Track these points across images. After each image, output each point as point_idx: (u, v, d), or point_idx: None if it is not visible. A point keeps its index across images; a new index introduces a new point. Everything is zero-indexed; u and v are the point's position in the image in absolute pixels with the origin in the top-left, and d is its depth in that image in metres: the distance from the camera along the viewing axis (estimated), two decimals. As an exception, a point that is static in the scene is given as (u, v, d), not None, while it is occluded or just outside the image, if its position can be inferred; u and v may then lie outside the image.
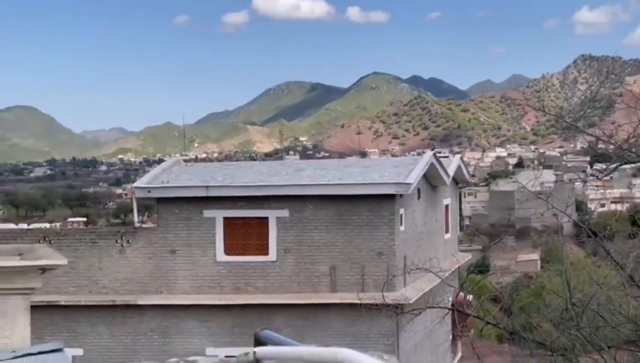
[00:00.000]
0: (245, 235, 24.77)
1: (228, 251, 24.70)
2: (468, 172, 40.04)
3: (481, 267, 58.51)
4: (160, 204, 25.47)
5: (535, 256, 73.15)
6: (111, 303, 24.14)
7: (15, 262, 6.11)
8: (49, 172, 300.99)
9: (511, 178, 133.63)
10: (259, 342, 3.90)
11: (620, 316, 14.36)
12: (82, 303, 23.64)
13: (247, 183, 26.19)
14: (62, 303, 22.52)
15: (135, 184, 26.87)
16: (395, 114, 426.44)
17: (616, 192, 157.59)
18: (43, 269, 6.03)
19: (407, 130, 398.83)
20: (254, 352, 3.66)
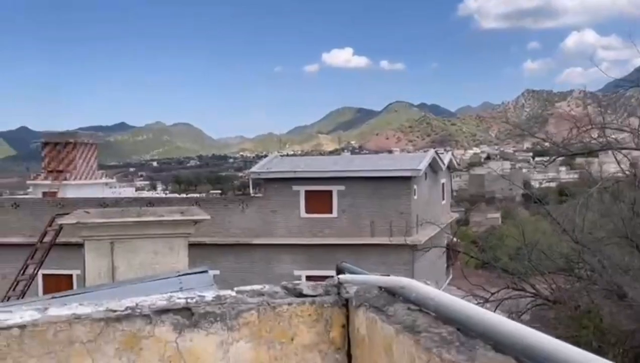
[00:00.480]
0: (318, 201, 25.86)
1: (307, 211, 25.94)
2: (456, 162, 41.41)
3: (464, 222, 60.48)
4: (266, 182, 26.88)
5: (497, 215, 73.88)
6: (236, 242, 25.55)
7: (178, 216, 6.22)
8: (198, 163, 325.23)
9: (483, 166, 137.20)
10: (340, 271, 3.25)
11: (555, 252, 15.46)
12: (219, 242, 24.66)
13: (319, 169, 27.60)
14: (207, 242, 22.47)
15: (251, 170, 28.04)
16: (410, 126, 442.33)
17: (550, 175, 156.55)
18: (195, 222, 6.21)
19: (417, 137, 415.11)
20: (338, 278, 3.00)
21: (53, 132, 37.83)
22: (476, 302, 13.18)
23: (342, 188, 25.78)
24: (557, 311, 12.55)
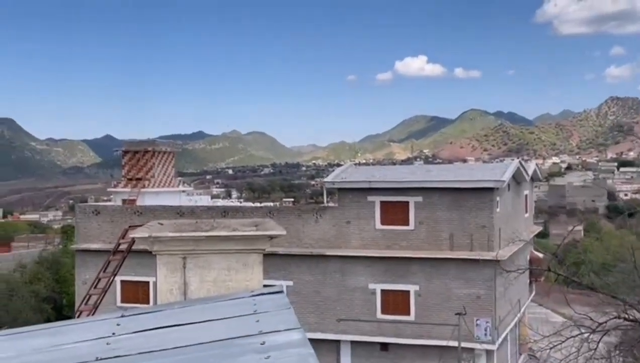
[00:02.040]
0: (394, 212, 25.43)
1: (383, 222, 25.48)
2: (540, 173, 40.19)
3: (543, 235, 58.34)
4: (340, 192, 26.53)
5: (580, 228, 71.09)
6: (309, 253, 25.44)
7: (253, 231, 6.05)
8: (272, 171, 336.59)
9: (563, 176, 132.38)
10: None
11: None
12: (293, 252, 24.64)
13: (395, 179, 27.00)
14: (280, 252, 22.65)
15: (325, 179, 27.62)
16: (485, 135, 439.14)
17: (636, 186, 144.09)
18: (270, 237, 5.96)
19: (492, 145, 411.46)
20: None
21: (133, 141, 39.09)
22: (579, 332, 12.04)
23: (419, 199, 25.27)
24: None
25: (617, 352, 18.01)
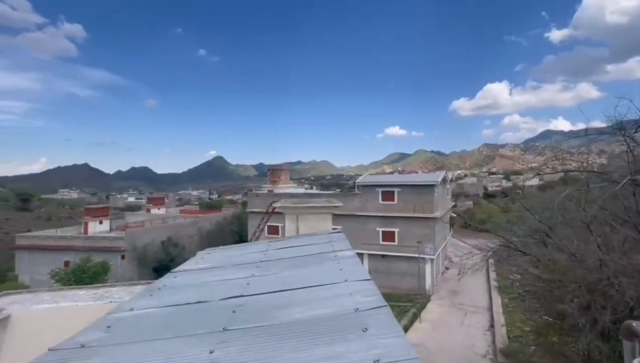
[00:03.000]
0: (387, 196, 23.63)
1: (382, 200, 23.65)
2: (452, 178, 38.06)
3: (454, 207, 54.71)
4: (363, 186, 24.53)
5: (470, 203, 65.87)
6: (349, 213, 23.64)
7: (328, 204, 5.59)
8: (329, 178, 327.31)
9: (463, 179, 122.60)
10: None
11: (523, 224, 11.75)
12: (342, 213, 22.42)
13: (387, 181, 25.05)
14: (336, 213, 22.82)
15: (356, 181, 25.71)
16: (425, 161, 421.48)
17: (496, 183, 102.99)
18: (336, 206, 5.48)
19: (427, 167, 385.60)
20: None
21: (272, 165, 39.73)
22: (480, 252, 11.05)
23: (399, 189, 24.01)
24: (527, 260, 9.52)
25: (492, 261, 16.61)
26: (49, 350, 1.53)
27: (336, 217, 5.89)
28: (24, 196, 72.51)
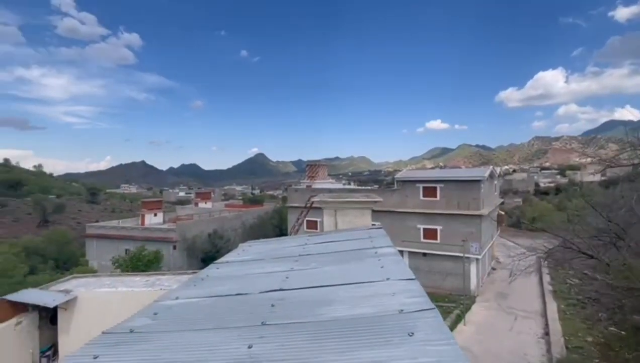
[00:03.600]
0: (429, 192, 22.80)
1: (424, 196, 22.96)
2: (499, 173, 35.31)
3: (502, 204, 50.80)
4: (403, 182, 23.67)
5: (520, 200, 60.48)
6: (388, 209, 23.09)
7: (367, 199, 5.48)
8: (368, 174, 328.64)
9: (511, 174, 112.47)
10: None
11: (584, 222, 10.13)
12: (381, 209, 22.28)
13: (429, 176, 24.06)
14: (375, 209, 22.34)
15: (396, 176, 25.01)
16: (470, 156, 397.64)
17: (549, 179, 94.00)
18: (375, 201, 5.39)
19: (470, 162, 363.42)
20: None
21: (310, 160, 40.05)
22: (535, 253, 9.83)
23: (442, 185, 22.89)
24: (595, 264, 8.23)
25: (546, 263, 15.19)
26: (103, 333, 1.64)
27: (374, 213, 5.64)
28: (93, 191, 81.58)
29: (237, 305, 1.91)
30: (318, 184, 34.80)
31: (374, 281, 2.10)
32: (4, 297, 5.54)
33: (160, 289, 5.15)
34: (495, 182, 29.23)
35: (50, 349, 5.43)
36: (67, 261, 29.27)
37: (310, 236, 4.30)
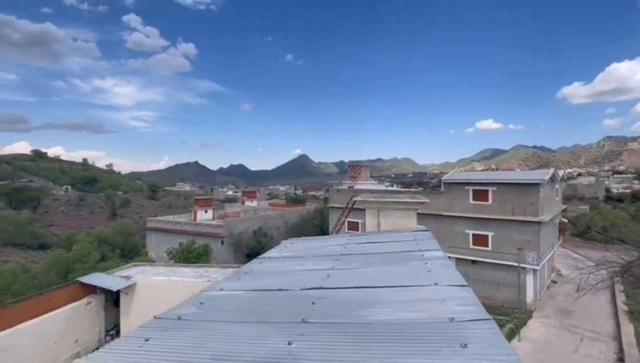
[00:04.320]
0: (480, 195, 21.45)
1: (474, 200, 21.59)
2: (563, 176, 31.72)
3: (564, 211, 45.70)
4: (450, 184, 22.64)
5: (586, 207, 53.86)
6: (433, 213, 22.22)
7: (412, 199, 5.43)
8: (411, 175, 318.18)
9: (575, 178, 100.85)
10: None
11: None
12: (425, 213, 21.58)
13: (481, 178, 22.72)
14: (419, 211, 21.35)
15: (443, 178, 23.74)
16: (526, 158, 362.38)
17: (624, 185, 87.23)
18: (421, 203, 5.34)
19: (527, 165, 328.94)
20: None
21: (352, 161, 39.83)
22: (610, 266, 8.73)
23: (494, 188, 21.34)
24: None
25: (621, 278, 13.32)
26: (154, 317, 1.76)
27: (419, 216, 5.54)
28: (153, 188, 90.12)
29: (278, 300, 1.92)
30: (360, 185, 34.45)
31: (420, 286, 2.00)
32: (77, 279, 6.18)
33: (208, 280, 5.44)
34: (557, 186, 26.45)
35: (113, 329, 5.95)
36: (131, 251, 32.49)
37: (352, 236, 4.23)
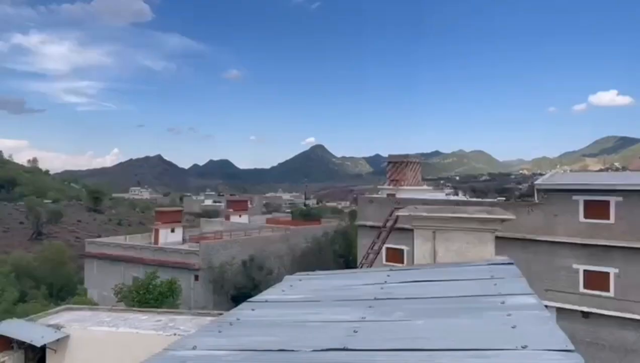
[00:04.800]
0: (596, 209, 21.50)
1: (586, 217, 21.71)
2: None
3: None
4: (549, 192, 22.92)
5: None
6: (522, 237, 22.46)
7: (487, 215, 5.53)
8: (487, 178, 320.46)
9: None
10: None
11: None
12: (508, 236, 21.59)
13: (598, 182, 22.78)
14: (498, 234, 21.15)
15: (537, 182, 24.33)
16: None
17: None
18: (502, 220, 5.39)
19: None
20: None
21: (394, 155, 39.76)
22: None
23: (620, 198, 20.88)
24: None
25: None
26: None
27: (499, 242, 5.56)
28: (96, 194, 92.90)
29: (279, 368, 1.92)
30: (406, 192, 34.35)
31: (500, 349, 2.00)
32: (-15, 328, 6.42)
33: (174, 334, 5.53)
34: None
35: (36, 404, 6.13)
36: (63, 288, 33.57)
37: (393, 271, 4.24)
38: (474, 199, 33.83)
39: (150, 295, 22.31)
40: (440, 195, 38.43)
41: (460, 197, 38.87)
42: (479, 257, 5.11)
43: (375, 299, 3.23)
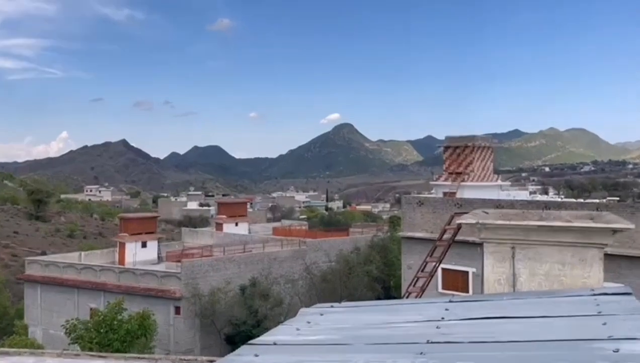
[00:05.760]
0: None
1: None
2: None
3: None
4: None
5: None
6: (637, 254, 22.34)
7: (594, 224, 5.51)
8: (592, 168, 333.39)
9: None
10: None
11: None
12: (624, 253, 21.99)
13: None
14: (608, 252, 20.82)
15: None
16: None
17: None
18: (615, 231, 5.42)
19: None
20: None
21: (454, 137, 39.34)
22: None
23: None
24: None
25: None
26: None
27: (608, 260, 5.75)
28: (38, 196, 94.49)
29: None
30: (472, 190, 34.14)
31: None
32: None
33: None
34: None
35: None
36: (-5, 324, 34.40)
37: (454, 303, 4.21)
38: (572, 199, 33.49)
39: (115, 335, 22.71)
40: (521, 194, 38.07)
41: (552, 196, 38.28)
42: (579, 284, 5.11)
43: (428, 342, 3.21)
